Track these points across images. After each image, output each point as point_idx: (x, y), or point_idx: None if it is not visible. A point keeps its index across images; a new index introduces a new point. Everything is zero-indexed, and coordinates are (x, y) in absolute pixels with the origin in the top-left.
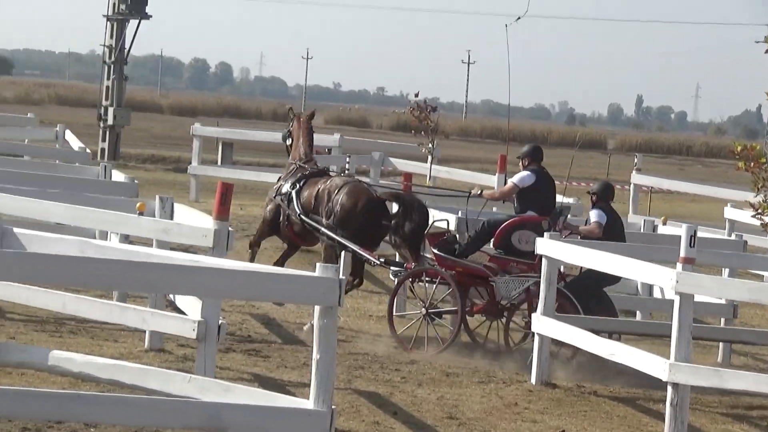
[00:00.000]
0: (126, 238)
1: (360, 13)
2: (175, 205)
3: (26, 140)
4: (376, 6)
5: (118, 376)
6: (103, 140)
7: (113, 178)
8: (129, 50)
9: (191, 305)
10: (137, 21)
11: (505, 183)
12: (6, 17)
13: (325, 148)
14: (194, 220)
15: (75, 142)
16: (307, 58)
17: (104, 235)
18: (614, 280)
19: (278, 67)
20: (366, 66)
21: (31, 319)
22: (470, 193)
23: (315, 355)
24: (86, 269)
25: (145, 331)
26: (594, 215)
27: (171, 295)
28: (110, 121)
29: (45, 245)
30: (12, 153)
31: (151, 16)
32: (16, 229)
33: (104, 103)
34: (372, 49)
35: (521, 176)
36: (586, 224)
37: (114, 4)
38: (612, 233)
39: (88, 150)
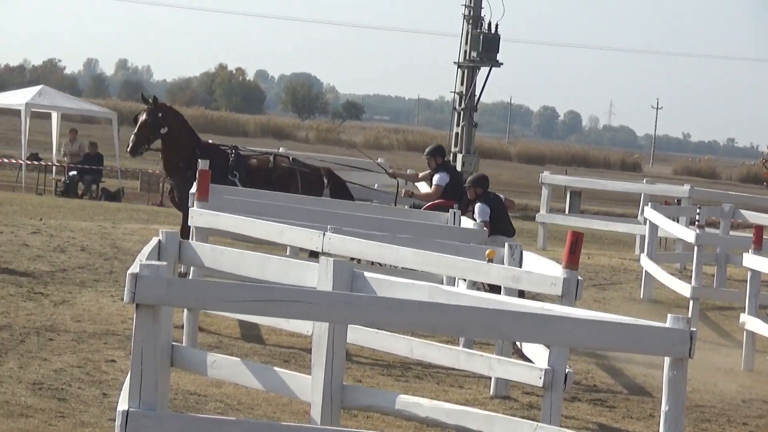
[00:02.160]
0: (474, 285)
1: (710, 63)
2: (524, 252)
3: (376, 185)
4: (727, 56)
5: (465, 422)
6: None
7: (462, 225)
8: (479, 97)
9: (538, 353)
10: (488, 68)
11: None
12: (357, 63)
13: (674, 198)
14: (543, 268)
15: (425, 188)
16: (657, 108)
17: (452, 281)
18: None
19: (627, 117)
20: (716, 117)
21: (377, 363)
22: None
23: (663, 407)
24: (437, 315)
25: (490, 378)
26: (477, 211)
27: (517, 343)
28: (459, 168)
29: (395, 290)
30: (362, 198)
31: (501, 64)
32: (366, 274)
33: (453, 149)
34: (723, 100)
35: (440, 177)
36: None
37: (465, 51)
38: (499, 221)
39: None
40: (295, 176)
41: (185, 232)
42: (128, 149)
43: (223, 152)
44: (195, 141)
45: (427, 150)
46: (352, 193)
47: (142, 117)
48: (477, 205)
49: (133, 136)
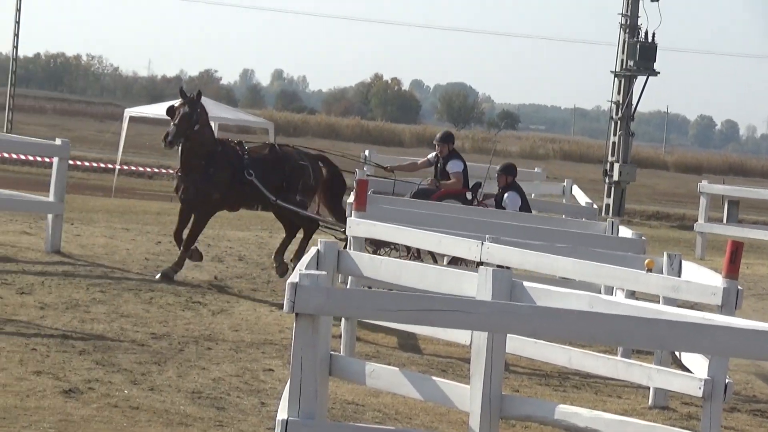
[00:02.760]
0: (632, 295)
1: None
2: (683, 262)
3: (533, 195)
4: None
5: None
6: (608, 196)
7: (620, 234)
8: (636, 106)
9: (697, 363)
10: (645, 77)
11: None
12: (512, 72)
13: None
14: (702, 277)
15: (582, 198)
16: None
17: (609, 291)
18: None
19: None
20: None
21: (535, 372)
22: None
23: None
24: (596, 324)
25: (648, 388)
26: (509, 200)
27: (676, 352)
28: (616, 177)
29: (554, 299)
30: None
31: (658, 73)
32: (525, 283)
33: (610, 158)
34: None
35: (455, 164)
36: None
37: (622, 60)
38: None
39: (594, 205)
40: (307, 168)
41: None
42: (167, 140)
43: (235, 149)
44: (214, 137)
45: (438, 136)
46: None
47: (185, 109)
48: (508, 194)
49: (173, 126)
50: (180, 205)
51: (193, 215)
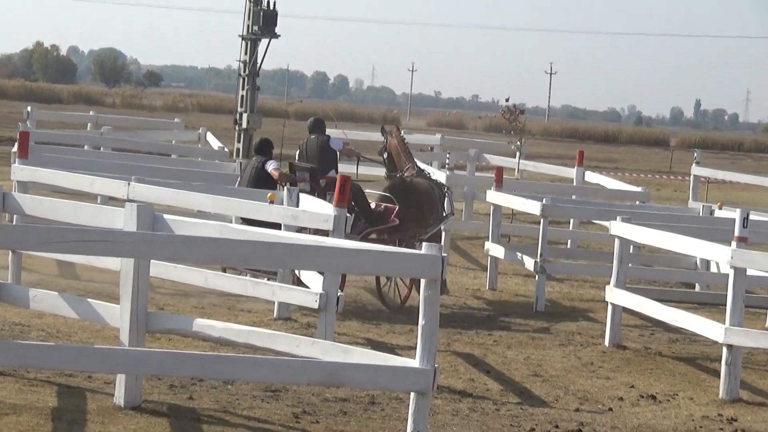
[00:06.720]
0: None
1: (458, 31)
2: (301, 195)
3: (173, 141)
4: (470, 25)
5: (253, 341)
6: (239, 141)
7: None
8: (260, 65)
9: (314, 280)
10: (268, 40)
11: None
12: (156, 38)
13: (428, 146)
14: (317, 207)
15: (215, 143)
16: (413, 71)
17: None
18: None
19: (388, 79)
20: (463, 76)
21: (177, 292)
22: None
23: (420, 322)
24: (225, 249)
25: (274, 303)
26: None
27: (296, 271)
28: (244, 125)
29: (190, 229)
30: (162, 152)
31: (279, 36)
32: (165, 216)
33: (239, 109)
34: (468, 62)
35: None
36: None
37: (248, 25)
38: None
39: (226, 149)
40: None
41: None
42: None
43: None
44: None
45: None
46: None
47: None
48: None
49: None
50: None
51: None
